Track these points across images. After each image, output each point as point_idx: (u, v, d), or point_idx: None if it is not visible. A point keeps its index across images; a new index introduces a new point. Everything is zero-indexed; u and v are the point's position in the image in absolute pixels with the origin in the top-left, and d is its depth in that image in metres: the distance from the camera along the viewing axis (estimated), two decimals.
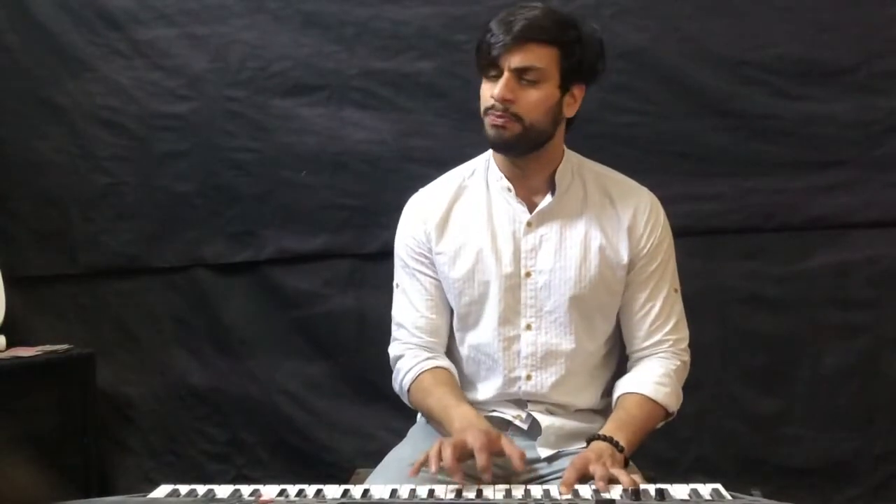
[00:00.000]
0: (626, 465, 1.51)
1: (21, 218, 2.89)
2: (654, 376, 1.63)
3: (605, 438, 1.52)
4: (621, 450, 1.51)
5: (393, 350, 1.74)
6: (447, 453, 1.38)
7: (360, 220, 2.69)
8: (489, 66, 1.57)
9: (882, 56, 2.49)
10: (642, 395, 1.62)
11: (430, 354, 1.69)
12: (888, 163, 2.49)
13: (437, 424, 1.64)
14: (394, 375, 1.74)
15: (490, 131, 1.58)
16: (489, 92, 1.57)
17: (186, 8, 2.78)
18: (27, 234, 2.89)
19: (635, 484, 1.34)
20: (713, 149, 2.56)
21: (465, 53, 2.56)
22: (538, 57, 1.55)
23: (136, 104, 2.82)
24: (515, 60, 1.54)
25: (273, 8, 2.74)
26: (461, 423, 1.52)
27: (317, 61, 2.73)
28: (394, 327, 1.75)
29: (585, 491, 1.34)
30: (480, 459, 1.39)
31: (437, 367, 1.67)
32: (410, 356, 1.69)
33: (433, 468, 1.37)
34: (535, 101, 1.56)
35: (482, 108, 1.60)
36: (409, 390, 1.69)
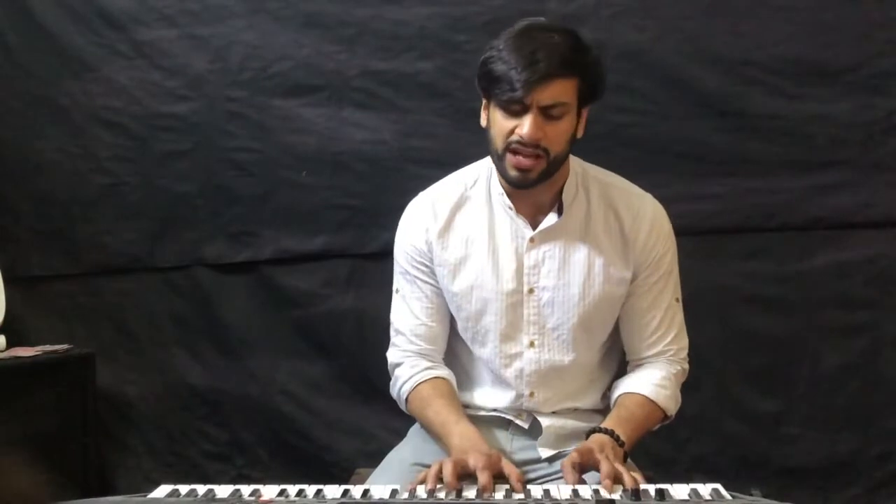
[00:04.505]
0: (624, 461, 1.50)
1: (21, 218, 2.90)
2: (654, 378, 1.63)
3: (605, 431, 1.52)
4: (622, 444, 1.51)
5: (391, 356, 1.73)
6: (447, 470, 1.37)
7: (360, 220, 2.69)
8: (512, 103, 1.49)
9: (882, 56, 2.49)
10: (643, 395, 1.61)
11: (428, 364, 1.68)
12: (888, 163, 2.49)
13: (435, 437, 1.63)
14: (391, 382, 1.73)
15: (513, 172, 1.53)
16: (509, 126, 1.51)
17: (187, 8, 2.78)
18: (28, 234, 2.89)
19: (637, 483, 1.34)
20: (713, 149, 2.56)
21: (465, 53, 2.56)
22: (564, 91, 1.50)
23: (136, 104, 2.82)
24: (544, 98, 1.48)
25: (273, 8, 2.74)
26: (461, 443, 1.51)
27: (317, 61, 2.73)
28: (392, 333, 1.74)
29: (585, 491, 1.34)
30: (482, 478, 1.37)
31: (436, 378, 1.66)
32: (409, 364, 1.68)
33: (430, 485, 1.35)
34: (560, 133, 1.52)
35: (500, 143, 1.53)
36: (407, 399, 1.68)
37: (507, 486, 1.36)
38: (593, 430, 1.54)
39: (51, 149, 2.86)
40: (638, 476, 1.39)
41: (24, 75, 2.86)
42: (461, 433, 1.54)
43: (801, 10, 2.51)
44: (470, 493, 1.34)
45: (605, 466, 1.38)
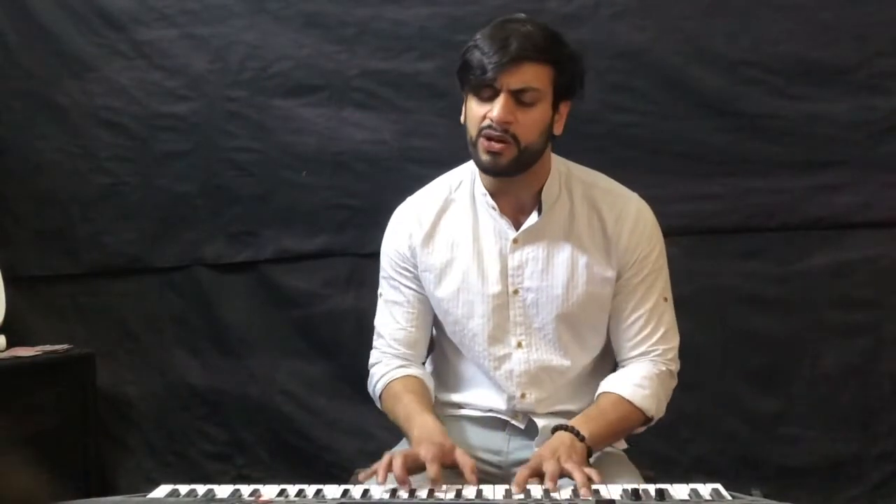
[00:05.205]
0: (589, 456, 1.50)
1: (21, 218, 2.90)
2: (634, 378, 1.61)
3: (566, 428, 1.52)
4: (582, 439, 1.50)
5: (371, 358, 1.75)
6: (397, 464, 1.37)
7: (360, 220, 2.70)
8: (483, 87, 1.51)
9: (882, 56, 2.49)
10: (619, 395, 1.60)
11: (403, 362, 1.69)
12: (888, 163, 2.49)
13: (403, 433, 1.63)
14: (368, 381, 1.74)
15: (484, 157, 1.53)
16: (482, 112, 1.51)
17: (187, 8, 2.79)
18: (27, 234, 2.90)
19: (589, 482, 1.33)
20: (713, 149, 2.56)
21: None
22: (536, 77, 1.50)
23: (136, 104, 2.82)
24: (514, 82, 1.49)
25: (274, 8, 2.75)
26: (419, 434, 1.51)
27: (317, 61, 2.73)
28: (375, 335, 1.75)
29: (584, 491, 1.33)
30: (430, 470, 1.37)
31: (408, 376, 1.67)
32: (384, 363, 1.70)
33: (381, 478, 1.35)
34: (532, 122, 1.52)
35: (474, 130, 1.54)
36: (380, 397, 1.70)
37: (507, 487, 1.36)
38: (556, 428, 1.53)
39: (51, 149, 2.87)
40: (593, 473, 1.37)
41: (24, 75, 2.86)
42: (420, 425, 1.54)
43: (801, 10, 2.51)
44: (470, 492, 1.34)
45: (550, 468, 1.37)
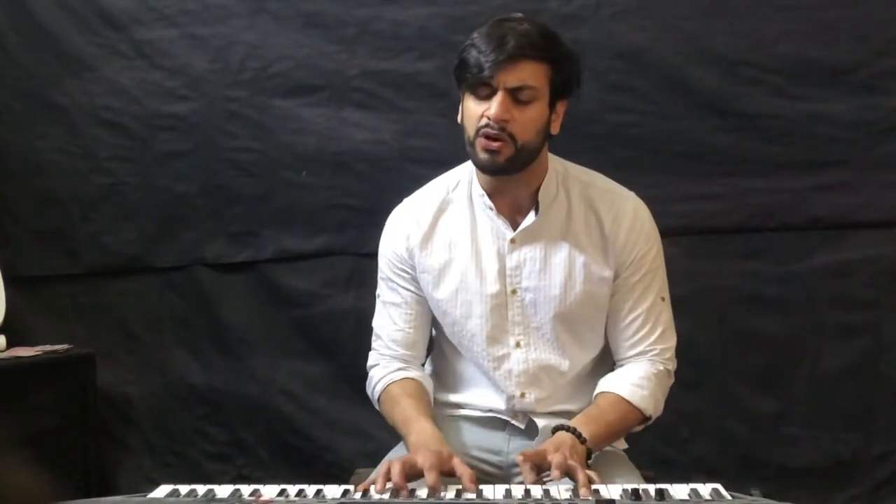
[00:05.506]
0: (588, 458, 1.50)
1: (21, 218, 2.90)
2: (633, 378, 1.62)
3: (567, 429, 1.52)
4: (583, 441, 1.50)
5: (369, 359, 1.75)
6: (395, 471, 1.36)
7: (360, 220, 2.69)
8: (480, 85, 1.51)
9: (882, 56, 2.49)
10: (618, 395, 1.60)
11: (401, 365, 1.69)
12: (888, 163, 2.49)
13: (401, 436, 1.63)
14: (367, 383, 1.74)
15: (482, 155, 1.53)
16: (480, 110, 1.52)
17: (187, 8, 2.79)
18: (27, 234, 2.90)
19: (589, 483, 1.33)
20: (713, 149, 2.56)
21: None
22: (533, 75, 1.50)
23: (136, 104, 2.82)
24: (511, 80, 1.49)
25: (274, 8, 2.75)
26: (416, 440, 1.51)
27: (317, 62, 2.73)
28: (373, 337, 1.75)
29: (584, 491, 1.33)
30: (429, 478, 1.36)
31: (406, 379, 1.67)
32: (382, 366, 1.70)
33: (379, 487, 1.34)
34: (528, 120, 1.52)
35: (472, 129, 1.53)
36: (379, 399, 1.70)
37: (508, 487, 1.36)
38: (557, 428, 1.54)
39: (51, 149, 2.87)
40: (594, 475, 1.38)
41: (24, 75, 2.86)
42: (418, 430, 1.53)
43: (801, 10, 2.51)
44: (470, 493, 1.34)
45: (557, 459, 1.37)
